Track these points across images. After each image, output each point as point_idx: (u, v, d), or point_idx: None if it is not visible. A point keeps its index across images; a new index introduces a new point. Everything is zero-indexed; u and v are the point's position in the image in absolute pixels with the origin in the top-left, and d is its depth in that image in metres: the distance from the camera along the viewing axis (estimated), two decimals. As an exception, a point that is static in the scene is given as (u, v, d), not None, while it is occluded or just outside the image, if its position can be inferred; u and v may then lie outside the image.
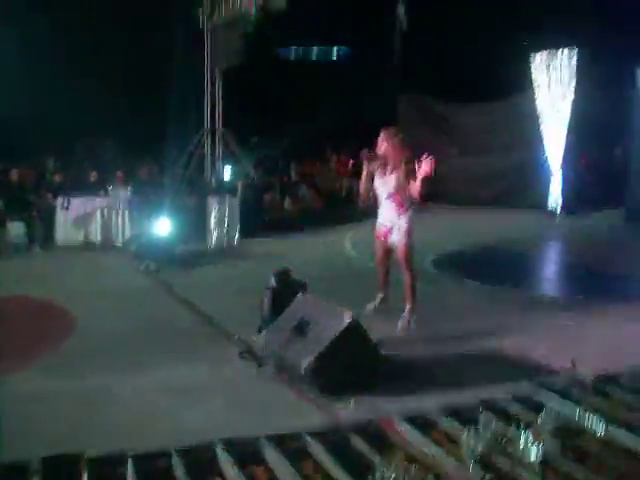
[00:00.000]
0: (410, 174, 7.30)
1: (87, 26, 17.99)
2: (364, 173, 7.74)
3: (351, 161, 19.94)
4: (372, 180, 7.70)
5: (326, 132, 20.32)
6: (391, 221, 7.65)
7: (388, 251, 7.85)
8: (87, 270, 11.43)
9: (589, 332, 7.37)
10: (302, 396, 5.65)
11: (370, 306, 7.96)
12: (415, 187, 7.24)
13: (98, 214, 13.43)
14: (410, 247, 7.61)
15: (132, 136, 17.93)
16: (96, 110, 17.36)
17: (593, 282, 10.27)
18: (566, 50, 16.92)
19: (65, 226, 13.60)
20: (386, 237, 7.74)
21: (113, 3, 17.96)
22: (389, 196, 7.58)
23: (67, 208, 13.53)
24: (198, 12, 16.36)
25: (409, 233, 7.59)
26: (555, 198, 17.51)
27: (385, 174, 7.58)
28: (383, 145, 7.58)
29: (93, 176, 15.05)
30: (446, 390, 5.67)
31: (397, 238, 7.62)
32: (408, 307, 7.61)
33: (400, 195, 7.50)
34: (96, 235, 13.46)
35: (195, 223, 13.73)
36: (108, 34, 18.47)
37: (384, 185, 7.60)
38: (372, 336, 6.04)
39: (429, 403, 5.35)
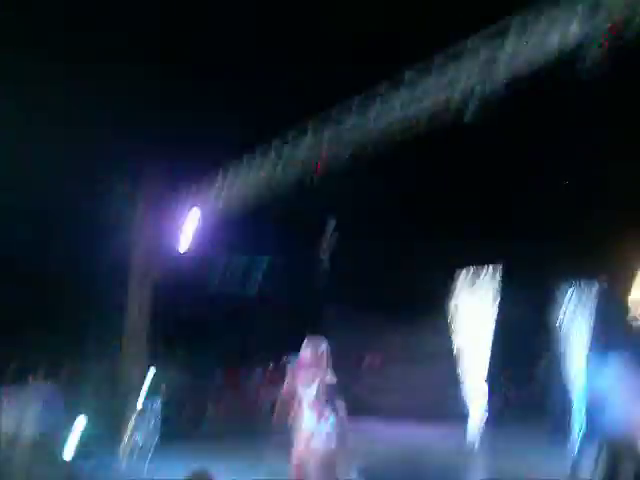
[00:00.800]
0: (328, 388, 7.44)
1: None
2: (290, 377, 7.79)
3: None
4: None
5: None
6: (311, 429, 7.49)
7: (302, 466, 7.55)
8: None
9: None
10: None
11: None
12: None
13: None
14: (334, 452, 7.41)
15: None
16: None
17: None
18: (490, 266, 17.44)
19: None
20: (304, 447, 7.51)
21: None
22: (308, 405, 7.53)
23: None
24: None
25: (331, 438, 7.42)
26: (478, 413, 17.48)
27: (308, 383, 7.56)
28: (307, 354, 7.61)
29: None
30: None
31: (317, 445, 7.43)
32: None
33: (319, 404, 7.48)
34: None
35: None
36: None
37: (305, 394, 7.57)
38: None
39: None
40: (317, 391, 7.48)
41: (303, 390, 7.60)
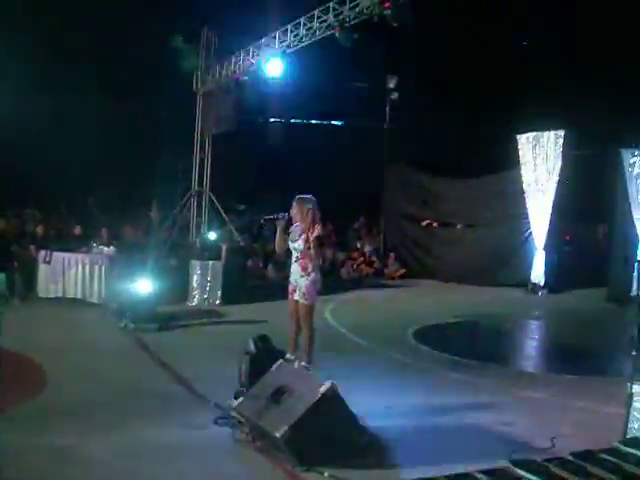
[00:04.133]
0: (315, 241, 7.82)
1: (76, 88, 18.11)
2: (278, 230, 8.22)
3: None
4: (287, 237, 8.19)
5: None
6: (296, 280, 8.02)
7: (295, 307, 8.08)
8: (65, 325, 11.33)
9: (569, 410, 7.32)
10: (277, 465, 5.54)
11: None
12: (311, 253, 7.88)
13: (79, 269, 13.32)
14: (309, 307, 7.94)
15: (119, 195, 17.98)
16: (84, 168, 17.44)
17: (574, 360, 10.23)
18: (552, 132, 17.18)
19: (46, 279, 13.54)
20: (292, 294, 8.05)
21: (105, 63, 18.14)
22: (296, 258, 8.06)
23: (49, 262, 13.46)
24: (192, 77, 16.52)
25: (310, 294, 7.90)
26: (538, 275, 17.53)
27: (296, 237, 8.07)
28: (294, 211, 8.09)
29: (77, 230, 15.02)
30: (422, 464, 5.57)
31: (298, 297, 7.96)
32: (304, 362, 7.77)
33: (304, 259, 7.95)
34: (76, 290, 13.33)
35: (177, 285, 13.71)
36: (98, 92, 18.62)
37: (294, 247, 8.09)
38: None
39: (405, 477, 5.26)
40: (302, 246, 7.94)
41: (291, 245, 8.13)
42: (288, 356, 7.85)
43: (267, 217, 8.59)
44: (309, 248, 7.88)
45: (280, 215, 8.18)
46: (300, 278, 7.96)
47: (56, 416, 6.55)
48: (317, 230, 7.89)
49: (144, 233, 16.31)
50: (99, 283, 13.23)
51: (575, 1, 17.38)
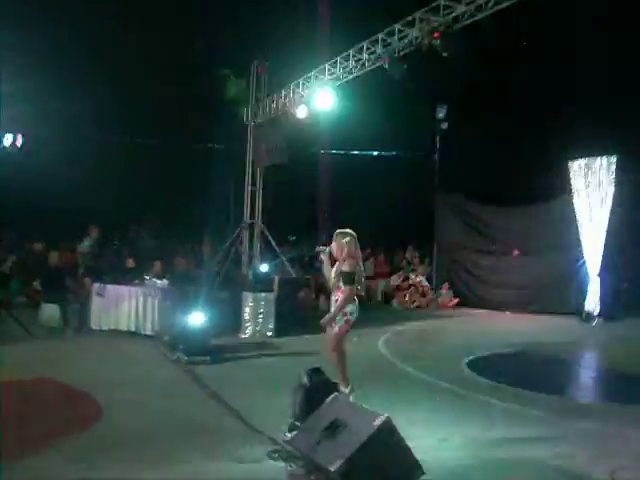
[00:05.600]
0: (343, 275, 8.21)
1: (132, 118, 18.47)
2: (324, 263, 8.65)
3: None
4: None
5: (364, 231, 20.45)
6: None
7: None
8: (118, 358, 11.40)
9: (628, 441, 7.12)
10: (331, 500, 5.45)
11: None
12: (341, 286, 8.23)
13: (133, 302, 13.41)
14: (337, 337, 8.24)
15: (172, 227, 18.15)
16: (137, 201, 17.68)
17: (631, 390, 9.98)
18: (604, 157, 16.99)
19: (99, 312, 13.66)
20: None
21: (158, 98, 18.48)
22: (335, 288, 8.38)
23: (102, 294, 13.59)
24: (243, 109, 16.65)
25: (337, 322, 8.21)
26: (592, 303, 17.22)
27: (334, 269, 8.45)
28: (333, 245, 8.47)
29: (130, 263, 15.17)
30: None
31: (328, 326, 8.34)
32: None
33: (337, 290, 8.32)
34: (129, 323, 13.41)
35: (230, 317, 13.74)
36: (150, 126, 18.94)
37: (334, 278, 8.40)
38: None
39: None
40: (335, 277, 8.32)
41: (332, 276, 8.45)
42: (342, 389, 7.91)
43: (317, 249, 8.84)
44: (339, 281, 8.24)
45: (322, 248, 8.61)
46: (332, 308, 8.35)
47: (107, 449, 6.55)
48: (345, 265, 8.23)
49: (196, 266, 16.40)
50: (152, 315, 13.29)
51: (622, 23, 17.15)
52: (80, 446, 6.64)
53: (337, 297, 8.29)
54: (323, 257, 8.63)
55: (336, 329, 8.24)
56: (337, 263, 8.42)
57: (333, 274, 8.40)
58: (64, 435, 6.95)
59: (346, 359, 8.39)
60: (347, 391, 8.08)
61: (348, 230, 8.50)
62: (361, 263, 8.57)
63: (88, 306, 13.83)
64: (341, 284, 8.21)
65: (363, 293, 8.96)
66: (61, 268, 14.31)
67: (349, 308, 8.22)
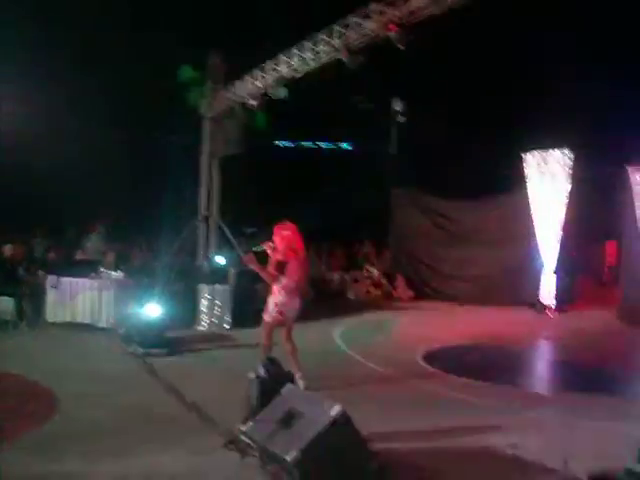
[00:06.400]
0: (274, 264, 8.89)
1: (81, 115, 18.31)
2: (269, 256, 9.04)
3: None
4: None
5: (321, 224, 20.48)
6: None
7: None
8: (74, 351, 11.32)
9: (580, 430, 7.25)
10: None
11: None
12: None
13: (87, 295, 13.31)
14: (266, 323, 8.91)
15: (127, 219, 18.03)
16: (93, 193, 17.51)
17: (585, 379, 10.21)
18: (557, 150, 17.19)
19: (54, 305, 13.54)
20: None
21: (115, 91, 18.32)
22: (274, 279, 8.89)
23: (56, 287, 13.48)
24: (198, 101, 16.54)
25: (267, 311, 8.90)
26: (547, 295, 17.46)
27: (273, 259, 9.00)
28: (275, 237, 9.00)
29: (80, 254, 15.09)
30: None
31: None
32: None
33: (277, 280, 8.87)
34: (84, 315, 13.31)
35: (185, 309, 13.71)
36: (104, 119, 18.79)
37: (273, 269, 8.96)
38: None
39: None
40: (274, 268, 8.89)
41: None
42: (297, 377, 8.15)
43: (262, 245, 9.23)
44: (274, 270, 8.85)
45: (266, 244, 9.04)
46: (273, 296, 8.89)
47: (65, 442, 6.54)
48: (283, 256, 8.83)
49: (152, 258, 16.32)
50: (107, 308, 13.21)
51: (590, 16, 17.21)
52: (38, 441, 6.61)
53: (275, 287, 8.82)
54: (268, 250, 8.99)
55: (266, 318, 8.86)
56: (274, 254, 8.92)
57: (272, 265, 8.90)
58: (22, 430, 6.91)
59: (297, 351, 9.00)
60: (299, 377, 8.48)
61: (287, 224, 9.04)
62: (303, 255, 9.02)
63: (42, 299, 13.72)
64: (278, 275, 8.78)
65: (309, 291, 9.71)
66: (14, 261, 14.15)
67: (280, 299, 8.78)
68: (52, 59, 17.37)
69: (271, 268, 8.91)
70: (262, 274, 8.89)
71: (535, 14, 15.96)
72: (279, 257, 8.86)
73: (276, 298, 8.81)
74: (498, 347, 12.94)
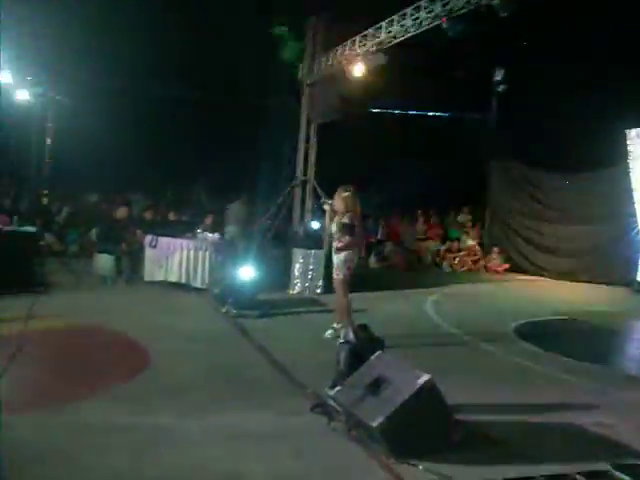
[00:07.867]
0: (341, 225, 9.35)
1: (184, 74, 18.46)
2: (327, 214, 9.78)
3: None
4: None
5: (416, 193, 20.30)
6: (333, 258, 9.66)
7: None
8: (168, 308, 11.56)
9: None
10: (371, 456, 5.51)
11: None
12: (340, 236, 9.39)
13: (184, 255, 13.53)
14: (339, 281, 9.48)
15: (225, 182, 18.24)
16: (192, 156, 17.76)
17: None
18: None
19: (151, 264, 13.82)
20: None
21: (211, 52, 18.37)
22: (336, 240, 9.49)
23: (155, 246, 13.76)
24: (298, 67, 16.57)
25: (339, 269, 9.44)
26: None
27: (335, 220, 9.52)
28: (335, 198, 9.55)
29: (179, 217, 15.36)
30: (519, 463, 5.46)
31: (334, 273, 9.57)
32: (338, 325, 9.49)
33: (336, 240, 9.49)
34: (180, 275, 13.56)
35: (280, 272, 13.84)
36: (204, 81, 18.91)
37: (331, 230, 9.63)
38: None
39: (500, 475, 5.15)
40: (336, 228, 9.41)
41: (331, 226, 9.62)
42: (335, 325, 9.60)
43: (321, 202, 10.31)
44: (339, 231, 9.33)
45: (326, 201, 9.75)
46: (334, 256, 9.52)
47: (154, 396, 6.69)
48: (345, 217, 9.32)
49: (247, 221, 16.51)
50: (202, 268, 13.43)
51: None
52: (128, 392, 6.78)
53: (338, 246, 9.40)
54: (326, 208, 9.69)
55: (340, 276, 9.41)
56: (336, 216, 9.45)
57: (334, 226, 9.43)
58: (113, 381, 7.12)
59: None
60: (337, 327, 9.47)
61: (349, 186, 9.53)
62: (360, 217, 9.58)
63: (140, 258, 14.04)
64: (340, 235, 9.30)
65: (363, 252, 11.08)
66: (117, 220, 14.53)
67: (349, 256, 9.32)
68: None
69: (329, 225, 9.64)
70: (328, 226, 9.72)
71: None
72: (339, 217, 9.37)
73: (344, 256, 9.34)
74: (594, 325, 12.66)
